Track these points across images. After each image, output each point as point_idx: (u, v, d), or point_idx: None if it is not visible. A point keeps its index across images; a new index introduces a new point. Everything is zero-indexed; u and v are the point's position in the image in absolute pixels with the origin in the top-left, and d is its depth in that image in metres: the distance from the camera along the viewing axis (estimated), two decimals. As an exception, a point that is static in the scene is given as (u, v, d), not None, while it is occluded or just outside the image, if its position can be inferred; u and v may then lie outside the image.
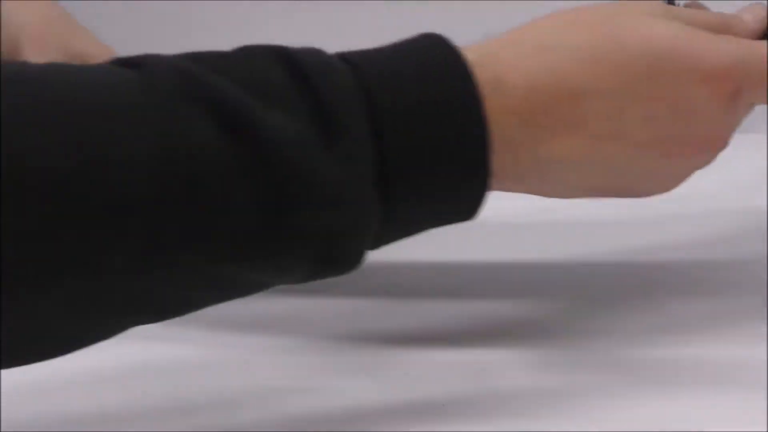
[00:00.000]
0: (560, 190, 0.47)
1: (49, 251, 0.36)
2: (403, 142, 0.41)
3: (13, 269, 0.35)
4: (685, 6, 0.51)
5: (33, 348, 0.39)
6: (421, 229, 0.44)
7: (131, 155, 0.36)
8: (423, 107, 0.41)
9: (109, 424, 0.49)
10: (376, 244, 0.43)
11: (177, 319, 0.43)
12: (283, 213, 0.39)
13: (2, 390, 0.48)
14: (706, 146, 0.46)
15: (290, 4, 1.00)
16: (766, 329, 0.56)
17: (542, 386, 0.50)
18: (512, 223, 0.69)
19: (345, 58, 0.41)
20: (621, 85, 0.44)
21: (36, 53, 0.60)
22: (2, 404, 0.48)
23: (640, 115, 0.44)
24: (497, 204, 0.48)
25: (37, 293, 0.36)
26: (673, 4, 0.50)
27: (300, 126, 0.39)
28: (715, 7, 0.53)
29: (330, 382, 0.52)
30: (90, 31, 0.63)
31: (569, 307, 0.60)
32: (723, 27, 0.47)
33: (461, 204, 0.43)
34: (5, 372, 0.49)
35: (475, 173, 0.42)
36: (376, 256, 0.45)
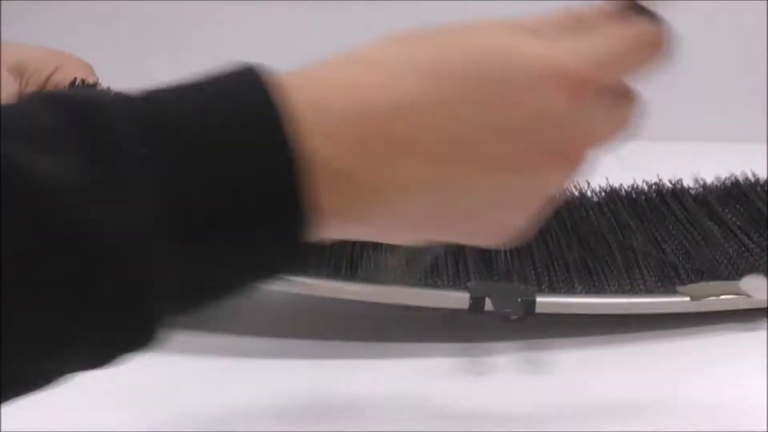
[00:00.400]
0: (406, 230, 0.41)
1: None
2: (197, 174, 0.35)
3: None
4: None
5: None
6: (234, 284, 0.38)
7: None
8: (218, 134, 0.36)
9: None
10: (182, 303, 0.36)
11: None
12: (54, 271, 0.32)
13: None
14: (561, 157, 0.41)
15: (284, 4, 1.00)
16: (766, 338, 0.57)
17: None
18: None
19: (137, 93, 0.37)
20: (459, 95, 0.39)
21: None
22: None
23: (483, 126, 0.39)
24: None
25: None
26: None
27: (72, 167, 0.33)
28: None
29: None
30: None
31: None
32: (577, 23, 0.42)
33: (277, 243, 0.37)
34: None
35: (288, 202, 0.36)
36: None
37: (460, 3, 0.94)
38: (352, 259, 0.56)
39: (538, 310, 0.54)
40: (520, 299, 0.53)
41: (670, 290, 0.58)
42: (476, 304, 0.53)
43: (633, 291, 0.58)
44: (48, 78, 0.62)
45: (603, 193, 0.67)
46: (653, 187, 0.67)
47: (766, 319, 0.58)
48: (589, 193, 0.67)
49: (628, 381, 0.54)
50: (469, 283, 0.55)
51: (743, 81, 0.91)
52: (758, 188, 0.68)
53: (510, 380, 0.53)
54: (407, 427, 0.50)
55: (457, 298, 0.53)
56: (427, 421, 0.50)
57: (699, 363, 0.55)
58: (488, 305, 0.54)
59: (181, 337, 0.49)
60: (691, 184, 0.69)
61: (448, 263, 0.57)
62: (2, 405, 0.34)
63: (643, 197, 0.66)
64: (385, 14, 1.00)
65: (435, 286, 0.55)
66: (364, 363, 0.55)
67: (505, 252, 0.59)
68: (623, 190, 0.67)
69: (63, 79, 0.61)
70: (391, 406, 0.51)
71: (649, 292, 0.58)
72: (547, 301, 0.54)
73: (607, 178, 0.67)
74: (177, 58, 1.02)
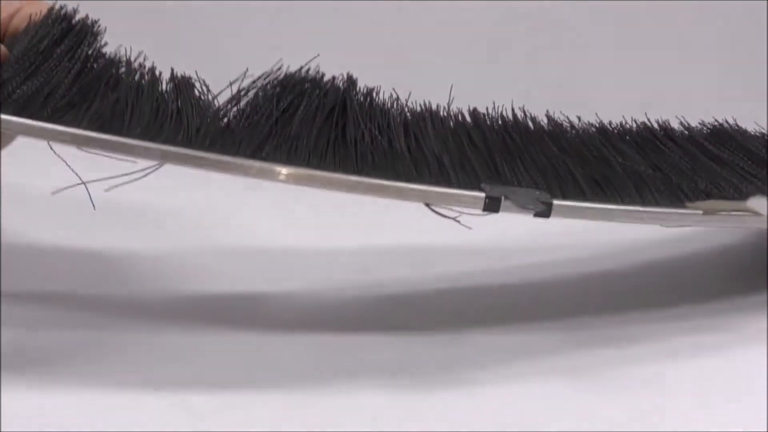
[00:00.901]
0: None
1: None
2: None
3: None
4: None
5: None
6: None
7: None
8: None
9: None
10: None
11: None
12: None
13: (2, 392, 0.46)
14: None
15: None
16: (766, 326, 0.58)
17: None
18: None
19: None
20: None
21: None
22: (2, 403, 0.46)
23: None
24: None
25: None
26: None
27: None
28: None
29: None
30: None
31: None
32: None
33: None
34: (5, 374, 0.48)
35: None
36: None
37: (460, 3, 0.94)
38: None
39: (554, 214, 0.52)
40: (537, 200, 0.51)
41: (679, 207, 0.57)
42: (492, 203, 0.51)
43: (644, 204, 0.56)
44: (10, 19, 0.58)
45: (593, 128, 0.65)
46: (642, 125, 0.66)
47: (765, 318, 0.59)
48: (578, 125, 0.65)
49: (623, 380, 0.53)
50: (483, 185, 0.53)
51: (743, 77, 0.93)
52: (745, 132, 0.68)
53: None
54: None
55: (472, 197, 0.51)
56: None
57: (698, 363, 0.55)
58: (503, 208, 0.52)
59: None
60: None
61: (457, 170, 0.54)
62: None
63: (634, 132, 0.65)
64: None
65: (448, 184, 0.52)
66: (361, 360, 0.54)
67: (513, 164, 0.57)
68: (611, 125, 0.66)
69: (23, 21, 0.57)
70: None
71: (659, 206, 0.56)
72: (563, 204, 0.53)
73: (596, 114, 0.65)
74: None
